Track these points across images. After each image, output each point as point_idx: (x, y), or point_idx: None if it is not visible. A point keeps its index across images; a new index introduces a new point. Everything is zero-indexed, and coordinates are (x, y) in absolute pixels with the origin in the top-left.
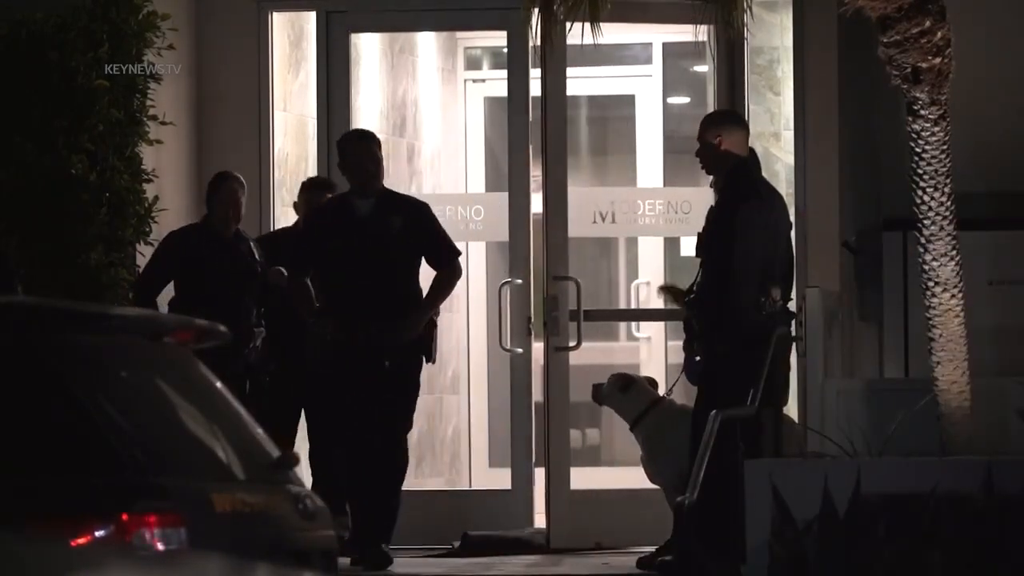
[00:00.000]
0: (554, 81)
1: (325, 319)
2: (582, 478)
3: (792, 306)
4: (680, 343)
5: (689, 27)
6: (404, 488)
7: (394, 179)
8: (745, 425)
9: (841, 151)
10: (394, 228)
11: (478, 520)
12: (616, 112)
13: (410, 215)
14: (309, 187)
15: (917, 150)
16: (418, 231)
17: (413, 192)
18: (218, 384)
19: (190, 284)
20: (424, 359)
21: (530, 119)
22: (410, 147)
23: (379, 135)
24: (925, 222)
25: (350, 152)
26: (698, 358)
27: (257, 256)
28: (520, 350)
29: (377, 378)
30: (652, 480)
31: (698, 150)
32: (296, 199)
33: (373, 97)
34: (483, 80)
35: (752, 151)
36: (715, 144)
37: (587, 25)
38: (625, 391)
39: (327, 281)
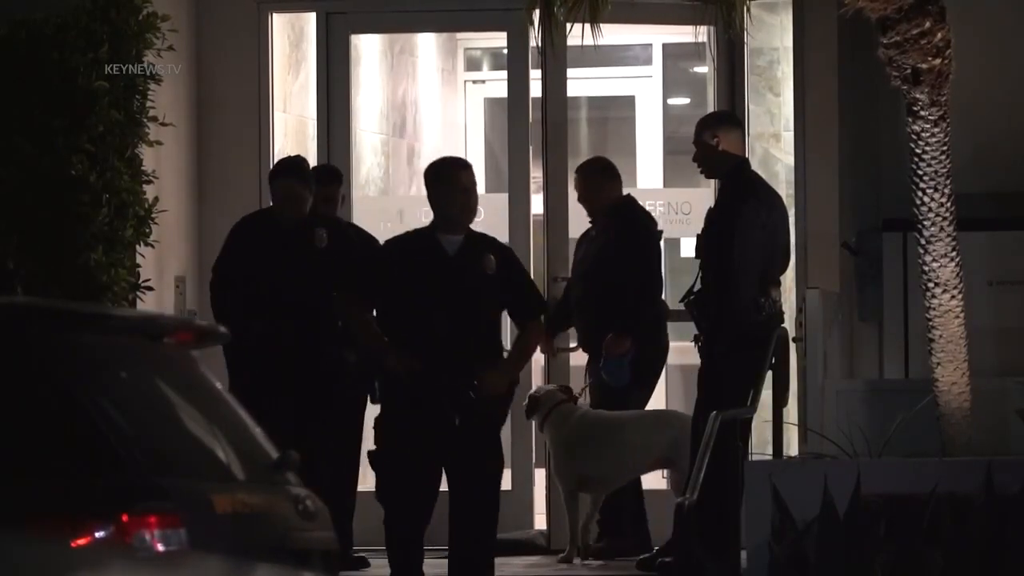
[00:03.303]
0: (555, 82)
1: (410, 359)
2: None
3: (790, 306)
4: (680, 343)
5: (689, 28)
6: None
7: (394, 180)
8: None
9: (841, 152)
10: (487, 270)
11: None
12: (616, 113)
13: (501, 258)
14: (321, 181)
15: (917, 151)
16: (508, 276)
17: (413, 193)
18: (218, 385)
19: (255, 275)
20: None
21: (530, 120)
22: (410, 148)
23: (379, 136)
24: (925, 223)
25: (463, 182)
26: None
27: (323, 243)
28: None
29: (454, 438)
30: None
31: (696, 153)
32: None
33: (373, 98)
34: (483, 81)
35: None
36: (713, 145)
37: (587, 26)
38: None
39: (399, 319)
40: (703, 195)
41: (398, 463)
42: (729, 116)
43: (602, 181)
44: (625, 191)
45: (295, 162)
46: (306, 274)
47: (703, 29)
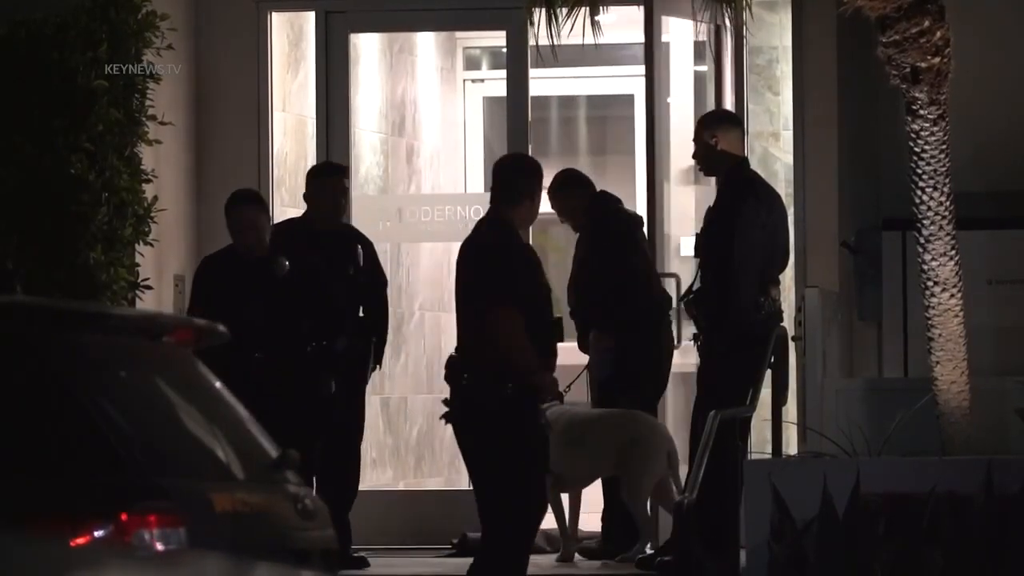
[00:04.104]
0: (661, 79)
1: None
2: None
3: (789, 305)
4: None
5: (689, 27)
6: (404, 488)
7: (393, 179)
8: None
9: (840, 151)
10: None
11: (477, 520)
12: (615, 112)
13: None
14: (330, 172)
15: (916, 150)
16: None
17: (412, 191)
18: (218, 384)
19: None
20: None
21: (529, 118)
22: (409, 147)
23: (378, 135)
24: (924, 222)
25: (581, 192)
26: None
27: (284, 271)
28: None
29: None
30: None
31: (695, 151)
32: (308, 189)
33: (372, 97)
34: (482, 80)
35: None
36: (712, 144)
37: (587, 24)
38: None
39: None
40: (703, 194)
41: (540, 474)
42: (729, 115)
43: (567, 194)
44: (625, 190)
45: (252, 192)
46: (272, 304)
47: (703, 28)
